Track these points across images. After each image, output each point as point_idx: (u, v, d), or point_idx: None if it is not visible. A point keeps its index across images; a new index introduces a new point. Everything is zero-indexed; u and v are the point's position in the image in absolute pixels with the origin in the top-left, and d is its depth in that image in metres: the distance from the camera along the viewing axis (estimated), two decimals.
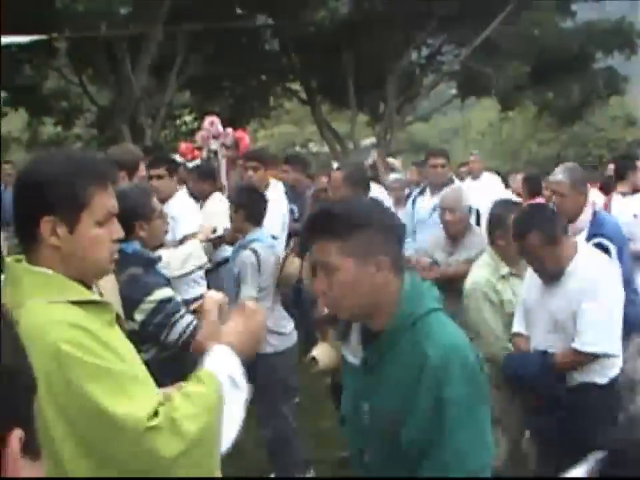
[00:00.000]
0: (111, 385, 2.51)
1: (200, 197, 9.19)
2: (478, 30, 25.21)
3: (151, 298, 4.50)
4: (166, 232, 5.32)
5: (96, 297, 2.79)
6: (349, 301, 2.95)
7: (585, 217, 6.54)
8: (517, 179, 12.60)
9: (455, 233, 7.49)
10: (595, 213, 6.68)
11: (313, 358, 6.22)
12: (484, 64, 25.82)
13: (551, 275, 5.43)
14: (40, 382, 2.38)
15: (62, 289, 2.66)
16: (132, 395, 2.55)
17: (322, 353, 6.26)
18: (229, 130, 12.28)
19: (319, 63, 26.43)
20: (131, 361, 2.74)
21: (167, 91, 23.33)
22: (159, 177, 7.75)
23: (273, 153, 23.91)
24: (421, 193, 9.80)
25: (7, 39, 16.45)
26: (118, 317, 2.92)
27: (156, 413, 2.56)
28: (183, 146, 13.34)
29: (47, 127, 26.56)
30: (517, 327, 5.76)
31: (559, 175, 6.67)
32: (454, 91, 31.95)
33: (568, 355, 5.34)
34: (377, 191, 9.81)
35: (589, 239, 6.30)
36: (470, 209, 7.87)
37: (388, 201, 9.68)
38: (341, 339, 3.28)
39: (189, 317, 4.61)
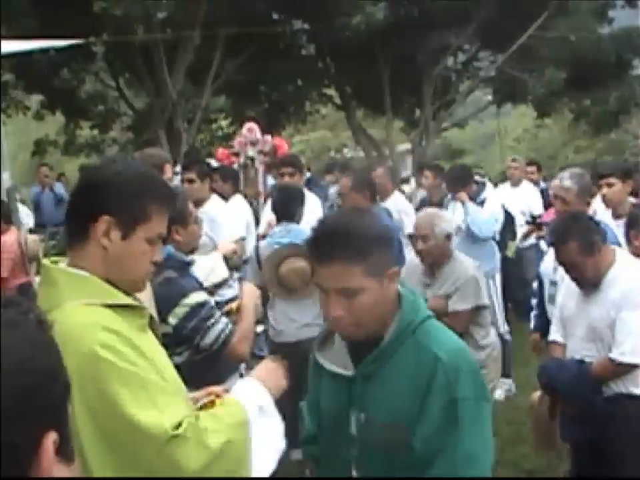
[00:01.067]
0: (139, 392, 2.52)
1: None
2: (514, 36, 25.10)
3: (186, 301, 4.52)
4: (200, 237, 5.34)
5: (131, 301, 2.79)
6: (369, 321, 2.90)
7: None
8: (553, 185, 12.44)
9: (431, 263, 6.63)
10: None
11: None
12: (520, 70, 25.73)
13: (590, 284, 5.36)
14: (74, 384, 2.42)
15: (98, 291, 2.68)
16: (159, 403, 2.56)
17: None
18: (268, 137, 12.33)
19: (354, 68, 26.39)
20: (161, 367, 2.74)
21: (203, 95, 23.39)
22: (190, 181, 7.80)
23: (308, 158, 23.99)
24: (453, 199, 9.81)
25: (44, 43, 16.55)
26: (151, 320, 2.94)
27: (180, 424, 2.56)
28: (220, 151, 13.39)
29: (83, 130, 26.70)
30: (554, 335, 5.72)
31: (566, 180, 6.60)
32: (490, 97, 31.86)
33: (604, 365, 5.27)
34: (399, 200, 9.90)
35: None
36: (448, 234, 6.65)
37: (410, 209, 9.73)
38: (318, 347, 3.21)
39: (223, 321, 4.62)
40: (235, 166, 12.03)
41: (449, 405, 2.81)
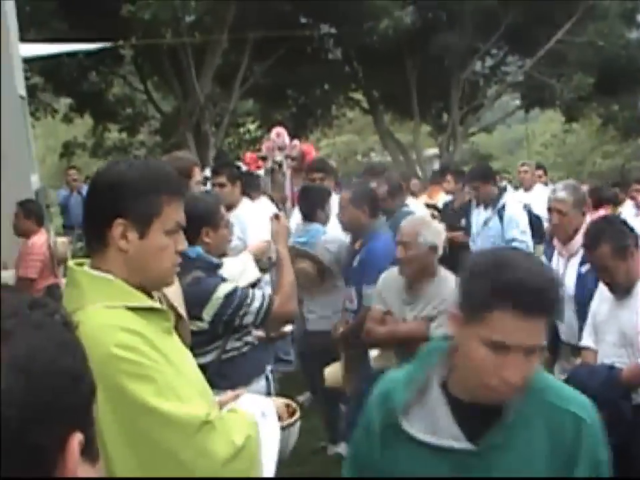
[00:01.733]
0: (163, 387, 2.54)
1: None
2: (542, 40, 25.06)
3: (217, 295, 4.53)
4: (229, 242, 5.34)
5: (155, 304, 2.80)
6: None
7: (580, 239, 6.04)
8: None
9: (411, 275, 5.88)
10: None
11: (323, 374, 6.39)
12: (548, 75, 25.67)
13: (622, 289, 5.32)
14: (97, 385, 2.42)
15: (121, 294, 2.68)
16: (185, 397, 2.59)
17: (331, 372, 6.35)
18: (296, 142, 12.33)
19: (381, 72, 26.39)
20: (184, 369, 2.75)
21: (231, 99, 23.47)
22: (221, 185, 7.80)
23: (335, 162, 23.99)
24: (477, 205, 9.81)
25: (73, 47, 16.66)
26: (179, 320, 2.95)
27: (209, 414, 2.60)
28: (248, 155, 13.42)
29: (111, 133, 26.85)
30: (586, 340, 5.66)
31: (561, 192, 6.44)
32: (518, 102, 31.78)
33: (635, 370, 5.20)
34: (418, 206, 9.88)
35: (584, 261, 6.05)
36: (434, 246, 5.87)
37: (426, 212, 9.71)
38: (403, 413, 2.59)
39: (259, 297, 4.66)
40: (263, 170, 12.06)
41: (595, 469, 2.58)
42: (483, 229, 9.24)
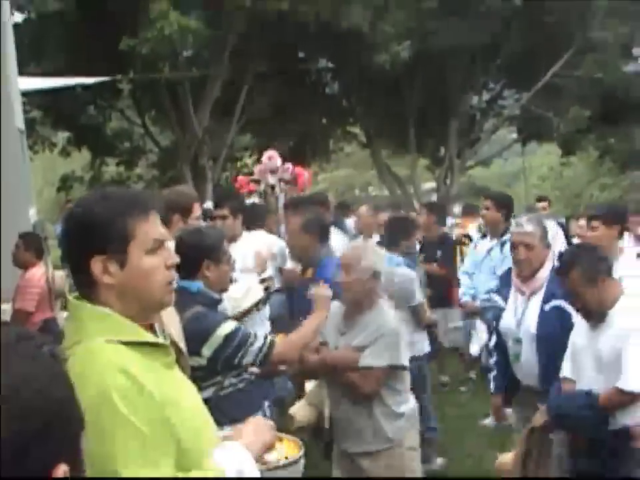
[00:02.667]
0: (135, 447, 2.48)
1: None
2: (539, 73, 25.20)
3: (219, 332, 4.50)
4: (231, 280, 5.31)
5: (153, 339, 2.75)
6: None
7: (543, 274, 6.07)
8: (579, 224, 12.33)
9: (350, 301, 5.58)
10: (553, 269, 6.07)
11: (290, 416, 6.12)
12: (545, 108, 25.76)
13: (595, 315, 5.36)
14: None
15: (120, 328, 2.64)
16: (152, 463, 2.51)
17: (299, 409, 6.16)
18: (288, 165, 12.31)
19: (379, 106, 26.54)
20: (185, 405, 2.69)
21: (229, 133, 23.54)
22: (223, 218, 7.73)
23: (333, 196, 24.04)
24: (484, 236, 9.76)
25: (71, 81, 16.72)
26: (179, 355, 2.90)
27: None
28: (240, 179, 13.40)
29: (109, 166, 26.91)
30: (565, 371, 5.69)
31: (527, 225, 6.19)
32: (515, 136, 31.87)
33: (612, 395, 5.24)
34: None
35: (547, 298, 5.96)
36: (376, 272, 5.60)
37: None
38: None
39: (260, 338, 4.62)
40: (256, 194, 12.02)
41: None
42: (485, 257, 9.20)
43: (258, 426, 3.03)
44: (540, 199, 14.83)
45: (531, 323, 5.92)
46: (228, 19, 20.22)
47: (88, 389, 2.41)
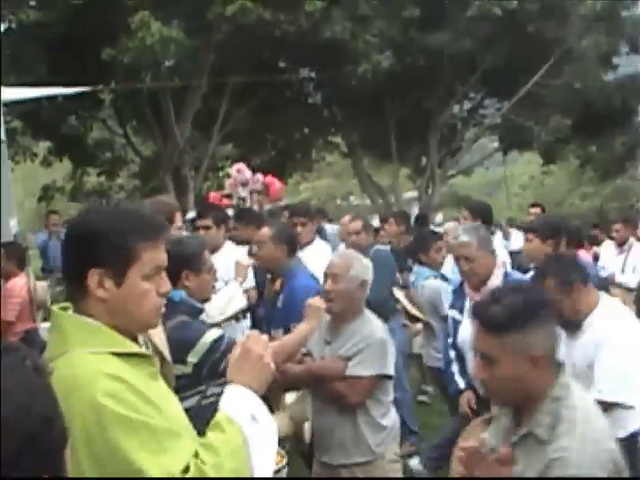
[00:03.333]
0: (146, 440, 2.49)
1: None
2: (520, 83, 25.30)
3: (204, 340, 4.51)
4: (213, 288, 5.31)
5: (139, 350, 2.77)
6: None
7: (494, 281, 6.00)
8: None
9: (337, 310, 5.44)
10: (506, 275, 6.17)
11: None
12: (526, 117, 25.86)
13: (570, 325, 5.35)
14: (77, 433, 2.39)
15: (106, 340, 2.65)
16: (167, 449, 2.52)
17: (279, 422, 6.12)
18: (258, 175, 12.32)
19: (360, 116, 26.57)
20: (170, 413, 2.69)
21: (210, 143, 23.53)
22: (206, 228, 7.78)
23: (315, 205, 24.09)
24: None
25: (52, 91, 16.66)
26: (163, 364, 2.90)
27: (188, 467, 2.54)
28: (212, 195, 13.40)
29: (90, 177, 26.82)
30: None
31: (463, 236, 6.13)
32: (496, 145, 31.96)
33: None
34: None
35: None
36: (364, 281, 5.54)
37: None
38: None
39: None
40: (231, 209, 12.02)
41: None
42: None
43: (251, 355, 2.94)
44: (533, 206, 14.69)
45: None
46: (209, 29, 20.21)
47: (77, 401, 2.43)
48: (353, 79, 22.03)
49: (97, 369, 2.53)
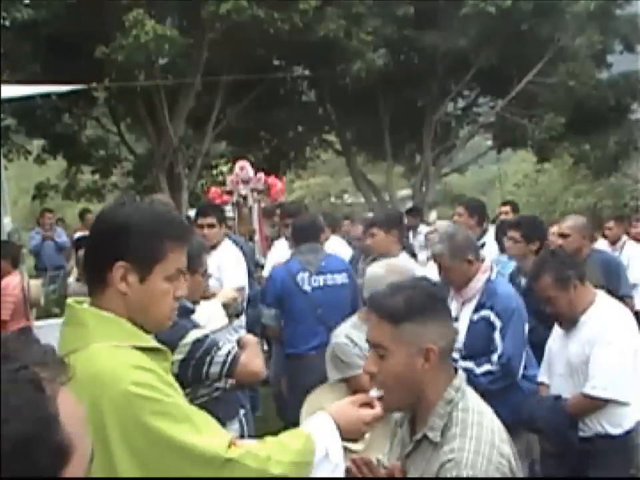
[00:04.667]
0: (182, 421, 2.53)
1: None
2: (513, 81, 25.28)
3: (186, 340, 4.53)
4: (204, 294, 5.35)
5: (158, 345, 2.81)
6: None
7: (476, 285, 5.99)
8: (552, 231, 12.32)
9: None
10: (488, 281, 6.06)
11: None
12: (520, 115, 25.86)
13: (567, 321, 5.44)
14: (113, 425, 2.43)
15: (128, 334, 2.70)
16: (204, 430, 2.57)
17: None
18: (260, 175, 12.32)
19: (355, 114, 26.54)
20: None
21: (204, 141, 23.49)
22: (210, 226, 7.91)
23: (309, 203, 24.12)
24: None
25: (46, 88, 16.65)
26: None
27: (230, 446, 2.57)
28: (213, 190, 13.41)
29: (84, 175, 26.76)
30: (542, 376, 5.81)
31: (438, 245, 6.14)
32: (490, 143, 31.92)
33: (578, 400, 5.33)
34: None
35: (477, 309, 5.94)
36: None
37: None
38: None
39: (227, 346, 4.68)
40: (229, 205, 12.03)
41: None
42: None
43: (360, 415, 2.98)
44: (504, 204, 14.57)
45: (461, 331, 5.88)
46: (203, 27, 20.21)
47: (107, 394, 2.49)
48: (347, 77, 22.03)
49: (124, 362, 2.58)
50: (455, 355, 5.66)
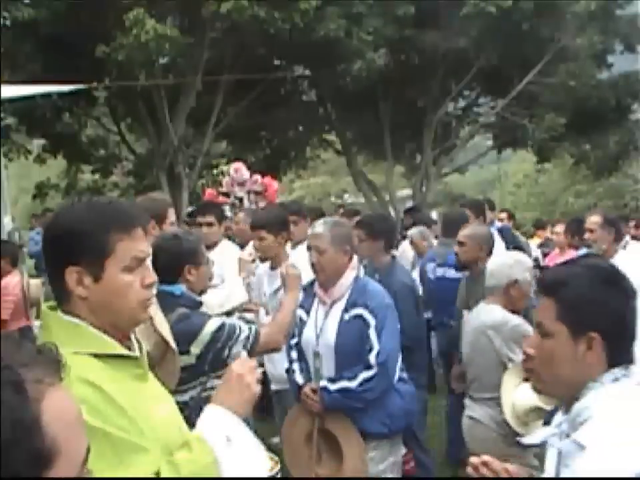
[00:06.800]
0: (106, 451, 2.45)
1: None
2: (514, 81, 25.29)
3: (206, 330, 4.56)
4: (210, 279, 5.35)
5: (122, 351, 2.71)
6: None
7: (345, 282, 5.69)
8: (555, 231, 12.37)
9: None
10: (356, 279, 5.76)
11: None
12: (520, 115, 25.86)
13: None
14: None
15: (89, 340, 2.62)
16: (126, 463, 2.49)
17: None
18: (256, 176, 12.29)
19: (355, 114, 26.54)
20: (146, 422, 2.63)
21: (205, 141, 23.48)
22: (209, 225, 7.91)
23: (309, 203, 24.11)
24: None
25: (47, 88, 16.65)
26: (169, 355, 2.87)
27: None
28: (208, 192, 13.39)
29: (85, 174, 26.78)
30: None
31: (319, 227, 5.75)
32: (490, 143, 31.91)
33: None
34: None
35: (348, 307, 5.60)
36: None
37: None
38: None
39: (245, 330, 4.70)
40: (227, 206, 12.00)
41: None
42: None
43: (237, 379, 2.95)
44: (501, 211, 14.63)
45: (330, 333, 5.63)
46: (204, 26, 20.21)
47: None
48: (347, 76, 22.02)
49: (73, 373, 2.44)
50: (324, 383, 5.55)
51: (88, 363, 2.56)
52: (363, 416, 5.47)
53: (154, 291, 2.89)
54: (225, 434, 2.77)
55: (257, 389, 2.97)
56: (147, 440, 2.60)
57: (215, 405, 2.89)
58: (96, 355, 2.60)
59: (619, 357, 2.58)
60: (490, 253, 7.31)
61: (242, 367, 2.99)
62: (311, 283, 5.95)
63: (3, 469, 1.33)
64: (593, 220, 7.99)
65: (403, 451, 5.64)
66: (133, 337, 2.86)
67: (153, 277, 2.81)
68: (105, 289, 2.66)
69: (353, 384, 5.42)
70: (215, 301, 6.16)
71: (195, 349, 4.53)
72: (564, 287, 2.64)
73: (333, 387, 5.48)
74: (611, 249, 7.81)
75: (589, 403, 2.51)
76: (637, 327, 2.66)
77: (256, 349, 4.70)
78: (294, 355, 5.93)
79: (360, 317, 5.48)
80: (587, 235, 8.06)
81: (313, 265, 5.71)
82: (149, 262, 2.84)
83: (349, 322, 5.54)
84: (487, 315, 5.76)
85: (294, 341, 5.92)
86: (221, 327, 4.61)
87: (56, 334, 2.61)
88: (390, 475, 5.58)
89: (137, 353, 2.80)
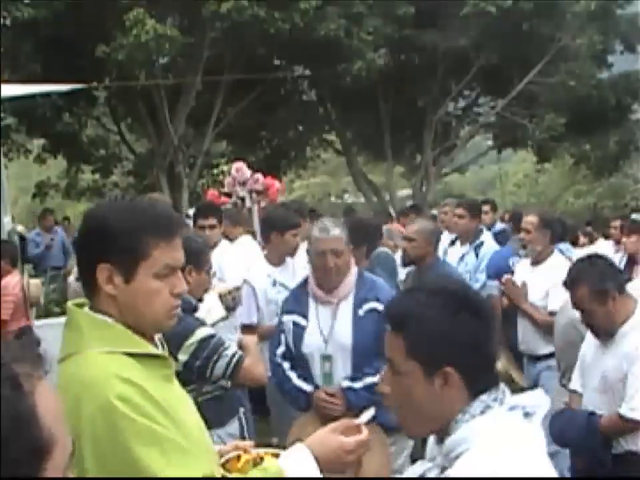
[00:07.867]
0: (153, 444, 2.45)
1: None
2: (514, 81, 25.30)
3: (193, 338, 4.53)
4: (206, 290, 5.33)
5: (154, 351, 2.72)
6: None
7: (352, 279, 5.60)
8: (528, 220, 12.22)
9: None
10: (360, 274, 5.70)
11: None
12: (520, 115, 25.89)
13: (603, 333, 5.13)
14: (85, 433, 2.37)
15: (121, 339, 2.62)
16: (174, 459, 2.48)
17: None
18: (258, 176, 12.25)
19: (355, 114, 26.56)
20: (184, 420, 2.64)
21: (205, 141, 23.48)
22: (211, 227, 7.92)
23: (309, 203, 24.11)
24: (452, 243, 9.85)
25: (47, 87, 16.64)
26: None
27: None
28: (210, 192, 13.37)
29: (85, 174, 26.78)
30: (574, 384, 5.49)
31: (334, 230, 5.52)
32: (490, 143, 31.92)
33: (613, 420, 5.02)
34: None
35: (359, 303, 5.52)
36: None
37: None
38: None
39: (232, 349, 4.65)
40: (228, 206, 11.97)
41: None
42: (459, 264, 9.23)
43: (346, 454, 2.84)
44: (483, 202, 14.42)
45: (343, 332, 5.51)
46: (204, 26, 20.21)
47: (89, 402, 2.42)
48: (347, 76, 22.02)
49: (112, 371, 2.49)
50: (347, 383, 5.46)
51: (124, 362, 2.56)
52: (384, 410, 5.43)
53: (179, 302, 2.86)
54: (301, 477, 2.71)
55: (352, 460, 2.89)
56: (190, 443, 2.59)
57: (311, 451, 2.80)
58: (128, 354, 2.59)
59: (481, 385, 2.43)
60: (436, 248, 7.37)
61: (358, 443, 2.89)
62: (301, 285, 5.84)
63: (6, 462, 1.34)
64: (529, 220, 7.72)
65: (411, 442, 5.58)
66: (156, 338, 2.86)
67: (183, 286, 2.79)
68: (134, 292, 2.65)
69: (378, 378, 5.37)
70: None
71: (182, 356, 4.50)
72: (410, 319, 2.45)
73: (357, 385, 5.39)
74: (545, 251, 7.67)
75: (462, 437, 2.38)
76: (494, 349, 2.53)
77: (238, 374, 4.64)
78: (286, 364, 5.71)
79: (374, 310, 5.37)
80: (522, 235, 7.87)
81: (330, 270, 5.49)
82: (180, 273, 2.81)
83: (364, 317, 5.46)
84: (574, 310, 5.49)
85: (280, 350, 5.73)
86: (211, 337, 4.60)
87: (86, 332, 2.61)
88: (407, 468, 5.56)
89: (166, 353, 2.81)
